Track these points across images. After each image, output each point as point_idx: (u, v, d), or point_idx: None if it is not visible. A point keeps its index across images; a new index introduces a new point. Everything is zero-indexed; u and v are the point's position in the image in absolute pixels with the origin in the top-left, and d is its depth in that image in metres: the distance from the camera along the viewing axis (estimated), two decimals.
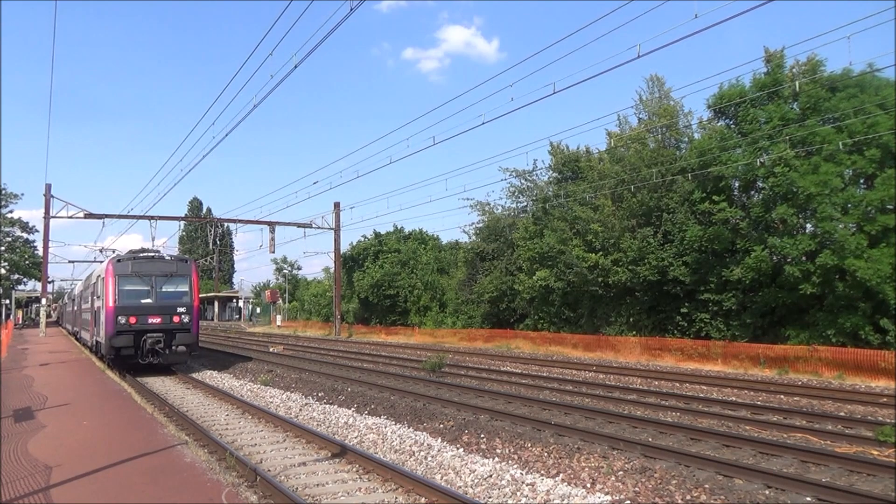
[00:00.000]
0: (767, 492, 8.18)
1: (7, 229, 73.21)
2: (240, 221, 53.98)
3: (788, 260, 23.24)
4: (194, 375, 21.93)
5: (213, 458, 9.82)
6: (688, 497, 8.00)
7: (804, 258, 22.66)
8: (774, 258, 23.87)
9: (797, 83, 22.65)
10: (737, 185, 26.24)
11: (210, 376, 22.21)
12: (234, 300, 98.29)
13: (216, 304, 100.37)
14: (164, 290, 22.14)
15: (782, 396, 16.18)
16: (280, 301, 77.90)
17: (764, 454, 9.99)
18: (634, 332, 29.48)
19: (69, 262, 79.83)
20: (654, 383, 18.95)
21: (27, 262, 72.53)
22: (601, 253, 30.03)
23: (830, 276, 21.83)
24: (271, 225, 50.08)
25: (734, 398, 15.84)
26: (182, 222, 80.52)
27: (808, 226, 23.25)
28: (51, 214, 45.81)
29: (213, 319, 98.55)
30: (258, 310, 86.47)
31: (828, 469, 9.12)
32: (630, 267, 28.52)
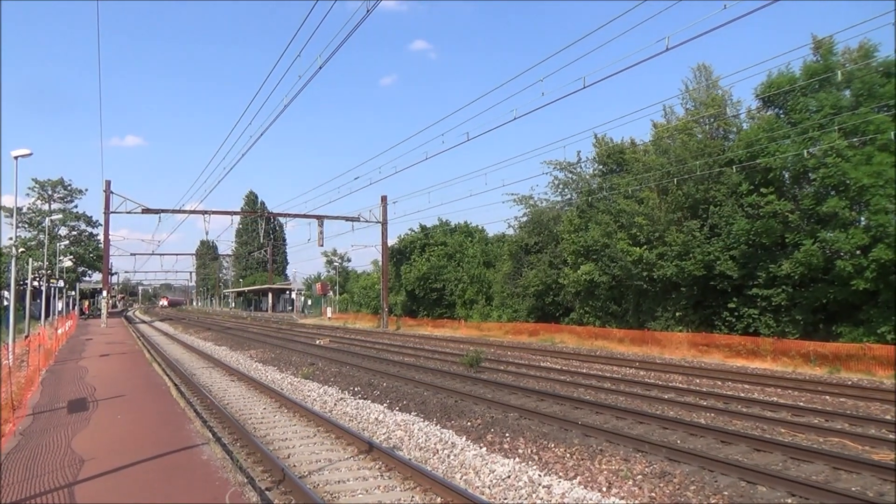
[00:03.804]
0: (790, 500, 7.95)
1: (72, 223, 76.49)
2: (289, 215, 55.23)
3: (841, 254, 22.39)
4: (240, 368, 22.56)
5: (228, 456, 10.09)
6: None
7: (857, 252, 21.79)
8: (826, 252, 23.02)
9: (849, 69, 21.71)
10: (786, 176, 25.35)
11: (255, 368, 22.80)
12: (287, 292, 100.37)
13: (270, 295, 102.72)
14: None
15: (827, 397, 15.65)
16: (331, 293, 79.18)
17: (794, 460, 9.70)
18: (681, 328, 28.91)
19: (130, 254, 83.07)
20: (696, 381, 18.55)
21: (91, 255, 75.65)
22: (646, 247, 29.50)
23: (886, 270, 20.94)
24: (319, 219, 50.99)
25: (776, 398, 15.40)
26: (236, 216, 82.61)
27: (862, 219, 22.32)
28: (110, 210, 47.64)
29: (266, 311, 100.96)
30: (310, 301, 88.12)
31: (860, 477, 8.80)
32: (675, 262, 27.92)
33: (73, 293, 69.18)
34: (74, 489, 7.39)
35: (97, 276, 78.15)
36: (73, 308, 66.66)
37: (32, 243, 65.99)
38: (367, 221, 53.30)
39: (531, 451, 10.36)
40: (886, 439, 10.80)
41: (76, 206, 77.86)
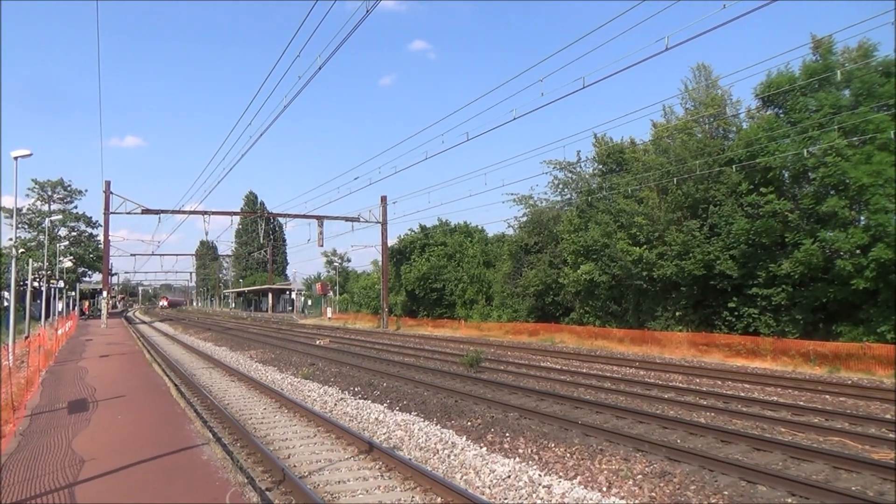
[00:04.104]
0: (791, 500, 7.96)
1: (72, 224, 76.48)
2: (289, 216, 55.22)
3: (841, 254, 22.40)
4: (240, 368, 22.57)
5: (228, 456, 10.09)
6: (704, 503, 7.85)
7: (857, 251, 21.79)
8: (826, 251, 23.02)
9: (849, 68, 21.71)
10: (786, 175, 25.36)
11: (255, 369, 22.81)
12: (287, 292, 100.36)
13: (270, 295, 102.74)
14: None
15: (827, 396, 15.66)
16: (331, 293, 79.16)
17: (795, 459, 9.70)
18: (681, 327, 28.92)
19: (130, 255, 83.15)
20: (696, 381, 18.57)
21: (91, 256, 75.62)
22: (646, 246, 29.51)
23: (886, 270, 20.95)
24: (319, 219, 51.00)
25: (776, 398, 15.41)
26: (236, 216, 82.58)
27: (861, 218, 22.34)
28: (110, 210, 47.64)
29: (267, 311, 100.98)
30: (310, 302, 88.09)
31: (860, 477, 8.80)
32: (675, 261, 27.93)
33: (73, 294, 69.18)
34: (75, 489, 7.40)
35: (97, 277, 78.12)
36: (73, 309, 66.64)
37: (32, 244, 65.98)
38: (366, 222, 53.33)
39: (531, 450, 10.37)
40: (886, 438, 10.81)
41: (76, 207, 77.95)
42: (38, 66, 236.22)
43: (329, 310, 71.70)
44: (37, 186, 74.31)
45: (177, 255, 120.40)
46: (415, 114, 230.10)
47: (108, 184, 47.38)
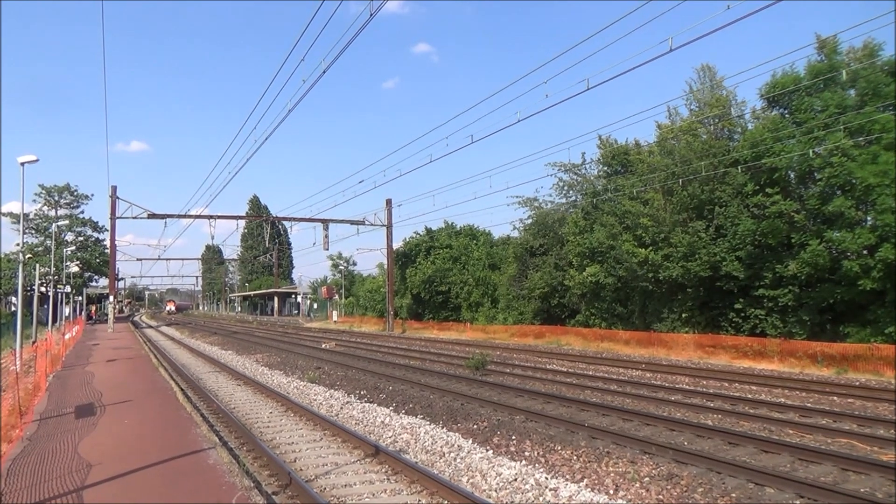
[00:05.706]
0: (798, 502, 7.91)
1: (79, 229, 76.76)
2: (294, 219, 55.24)
3: (847, 254, 22.32)
4: (246, 372, 22.60)
5: (234, 460, 10.07)
6: None
7: (864, 252, 21.71)
8: (833, 252, 22.94)
9: (854, 68, 21.66)
10: (792, 176, 25.30)
11: (261, 373, 22.83)
12: (293, 296, 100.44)
13: (276, 299, 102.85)
14: None
15: (835, 398, 15.58)
16: (336, 297, 79.20)
17: (803, 461, 9.65)
18: (687, 329, 28.83)
19: (137, 259, 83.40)
20: (703, 383, 18.51)
21: (97, 261, 75.84)
22: (651, 248, 29.45)
23: (892, 270, 20.86)
24: (325, 222, 51.07)
25: (783, 399, 15.34)
26: (242, 220, 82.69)
27: (868, 218, 22.25)
28: (116, 215, 47.82)
29: (273, 314, 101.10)
30: (315, 305, 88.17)
31: (868, 478, 8.75)
32: (681, 263, 27.86)
33: (80, 298, 69.41)
34: (82, 494, 7.41)
35: (103, 282, 78.28)
36: (80, 313, 66.84)
37: (39, 249, 66.26)
38: (371, 225, 53.36)
39: (538, 453, 10.34)
40: (895, 440, 10.74)
41: (82, 212, 78.28)
42: (43, 69, 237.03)
43: (335, 313, 71.76)
44: (43, 192, 74.64)
45: (183, 259, 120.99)
46: (419, 117, 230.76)
47: (114, 189, 47.59)
